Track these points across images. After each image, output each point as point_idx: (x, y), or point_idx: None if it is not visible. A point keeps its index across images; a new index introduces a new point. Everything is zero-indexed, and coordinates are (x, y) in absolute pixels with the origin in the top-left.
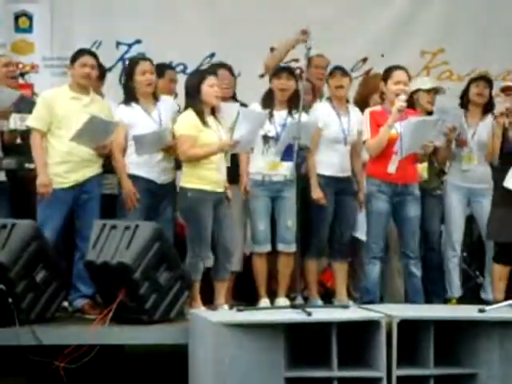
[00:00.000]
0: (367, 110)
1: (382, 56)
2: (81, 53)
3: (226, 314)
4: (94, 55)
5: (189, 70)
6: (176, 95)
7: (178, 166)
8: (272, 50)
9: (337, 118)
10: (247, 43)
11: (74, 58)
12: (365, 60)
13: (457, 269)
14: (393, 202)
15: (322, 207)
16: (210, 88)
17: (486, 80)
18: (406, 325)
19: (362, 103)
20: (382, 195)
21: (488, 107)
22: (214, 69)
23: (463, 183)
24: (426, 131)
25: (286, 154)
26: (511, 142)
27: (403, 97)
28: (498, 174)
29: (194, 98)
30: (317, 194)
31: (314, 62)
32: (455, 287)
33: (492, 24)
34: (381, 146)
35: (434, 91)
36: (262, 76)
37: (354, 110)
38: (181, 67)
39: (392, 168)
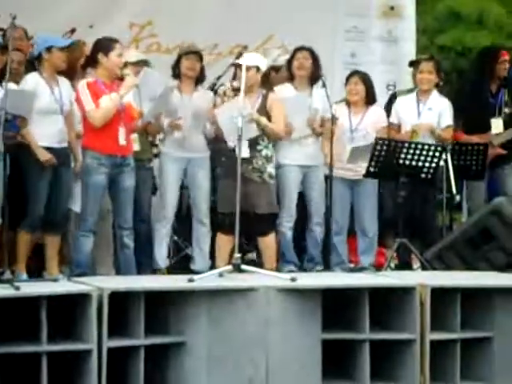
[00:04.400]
0: (83, 81)
1: (91, 27)
2: None
3: None
4: None
5: None
6: None
7: None
8: None
9: (48, 88)
10: None
11: None
12: (73, 31)
13: (166, 239)
14: (111, 174)
15: (37, 180)
16: None
17: (195, 53)
18: (117, 296)
19: (70, 72)
20: (102, 168)
21: (200, 78)
22: None
23: (179, 153)
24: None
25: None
26: None
27: (128, 70)
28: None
29: None
30: (44, 155)
31: (15, 34)
32: (163, 258)
33: None
34: (108, 117)
35: (141, 64)
36: None
37: (62, 81)
38: None
39: (123, 141)
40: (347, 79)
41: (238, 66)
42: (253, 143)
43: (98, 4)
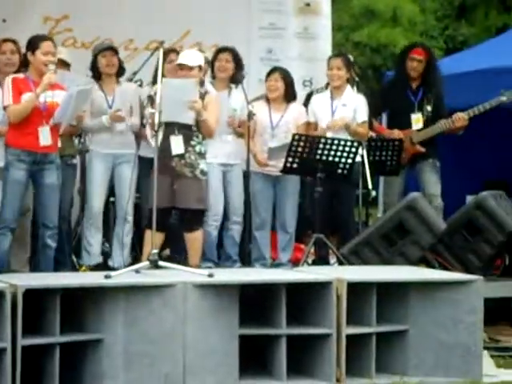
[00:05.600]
0: (9, 77)
1: (4, 21)
2: None
3: None
4: None
5: None
6: None
7: None
8: None
9: None
10: None
11: None
12: None
13: (96, 236)
14: (31, 170)
15: None
16: None
17: (112, 49)
18: (32, 294)
19: None
20: (21, 164)
21: (119, 73)
22: None
23: (106, 151)
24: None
25: None
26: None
27: (53, 67)
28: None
29: None
30: None
31: None
32: (95, 254)
33: None
34: (25, 114)
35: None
36: None
37: None
38: None
39: (45, 140)
40: (267, 75)
41: (180, 66)
42: (187, 138)
43: None
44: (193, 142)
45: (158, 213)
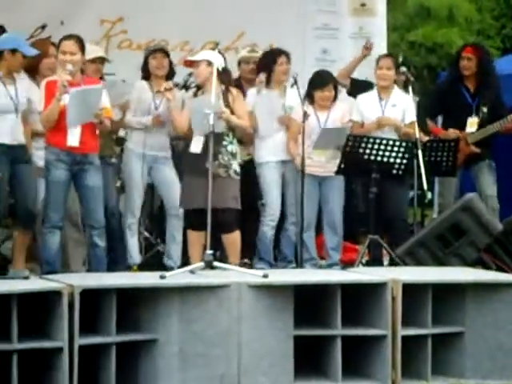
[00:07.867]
0: (44, 80)
1: (62, 23)
2: None
3: None
4: None
5: None
6: None
7: None
8: None
9: (3, 87)
10: None
11: None
12: (44, 27)
13: (136, 235)
14: (71, 170)
15: None
16: None
17: (161, 51)
18: (88, 294)
19: (31, 69)
20: (60, 163)
21: (170, 74)
22: None
23: (145, 151)
24: (92, 100)
25: None
26: None
27: (70, 67)
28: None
29: None
30: None
31: None
32: (135, 254)
33: None
34: (51, 119)
35: (99, 61)
36: None
37: (21, 79)
38: None
39: (72, 140)
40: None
41: (190, 64)
42: (218, 139)
43: (70, 0)
44: (224, 143)
45: (196, 214)
